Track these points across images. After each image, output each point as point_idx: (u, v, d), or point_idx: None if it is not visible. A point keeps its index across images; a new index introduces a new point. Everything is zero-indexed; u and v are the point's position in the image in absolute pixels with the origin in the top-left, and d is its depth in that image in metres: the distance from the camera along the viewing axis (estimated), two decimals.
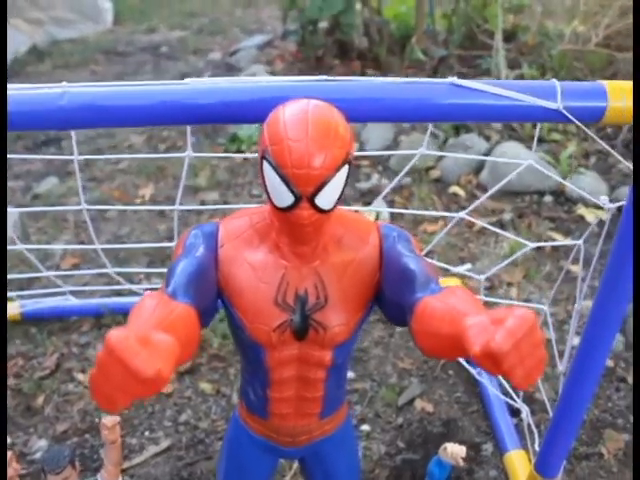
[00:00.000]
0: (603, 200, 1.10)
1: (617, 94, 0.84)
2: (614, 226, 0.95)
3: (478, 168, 2.75)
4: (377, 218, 2.14)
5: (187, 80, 0.84)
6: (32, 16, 5.11)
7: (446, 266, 1.67)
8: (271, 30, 5.12)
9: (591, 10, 3.35)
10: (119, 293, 2.03)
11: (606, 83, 0.85)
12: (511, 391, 1.58)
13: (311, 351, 0.82)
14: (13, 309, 1.92)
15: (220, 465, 1.04)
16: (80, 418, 1.63)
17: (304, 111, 0.69)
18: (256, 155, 0.78)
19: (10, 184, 2.79)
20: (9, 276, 1.75)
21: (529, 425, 1.48)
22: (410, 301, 0.72)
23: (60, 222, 2.53)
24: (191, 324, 0.67)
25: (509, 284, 2.10)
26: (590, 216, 2.44)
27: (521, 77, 3.15)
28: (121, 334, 0.51)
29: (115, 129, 3.34)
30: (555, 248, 2.28)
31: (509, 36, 3.57)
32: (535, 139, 1.19)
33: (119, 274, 1.78)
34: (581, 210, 2.49)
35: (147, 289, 1.85)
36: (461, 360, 1.73)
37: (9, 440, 1.56)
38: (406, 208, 2.49)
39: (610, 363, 1.78)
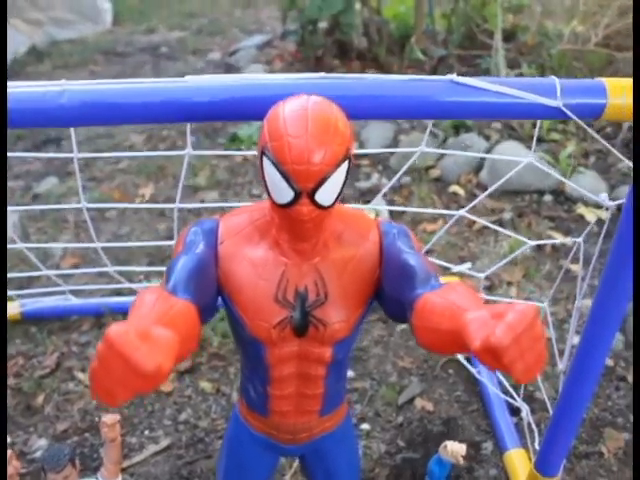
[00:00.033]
0: (603, 198, 1.10)
1: (617, 91, 0.84)
2: (614, 225, 0.95)
3: (478, 167, 2.75)
4: (376, 217, 2.14)
5: (187, 77, 0.84)
6: (31, 16, 5.11)
7: (446, 264, 1.67)
8: (270, 30, 5.12)
9: (590, 10, 3.35)
10: (119, 292, 2.03)
11: (605, 80, 0.85)
12: (511, 390, 1.58)
13: (311, 348, 0.82)
14: (13, 308, 1.92)
15: (220, 463, 1.04)
16: (80, 417, 1.63)
17: (304, 107, 0.69)
18: (255, 153, 0.78)
19: (10, 184, 2.79)
20: (9, 275, 1.75)
21: (529, 424, 1.48)
22: (410, 297, 0.72)
23: (60, 222, 2.52)
24: (191, 320, 0.67)
25: (509, 283, 2.10)
26: (590, 215, 2.45)
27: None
28: (121, 328, 0.51)
29: (115, 129, 3.34)
30: (555, 247, 2.28)
31: (508, 36, 3.57)
32: (535, 138, 1.19)
33: (119, 274, 1.78)
34: (581, 209, 2.49)
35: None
36: (461, 359, 1.73)
37: (9, 439, 1.56)
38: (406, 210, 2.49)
39: (610, 362, 1.78)
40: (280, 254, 0.78)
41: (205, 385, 1.72)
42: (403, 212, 2.43)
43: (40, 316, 1.94)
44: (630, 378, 1.73)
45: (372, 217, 0.86)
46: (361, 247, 0.81)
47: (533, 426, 1.46)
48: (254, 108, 0.81)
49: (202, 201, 2.64)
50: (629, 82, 0.83)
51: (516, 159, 1.29)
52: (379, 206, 1.67)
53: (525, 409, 1.52)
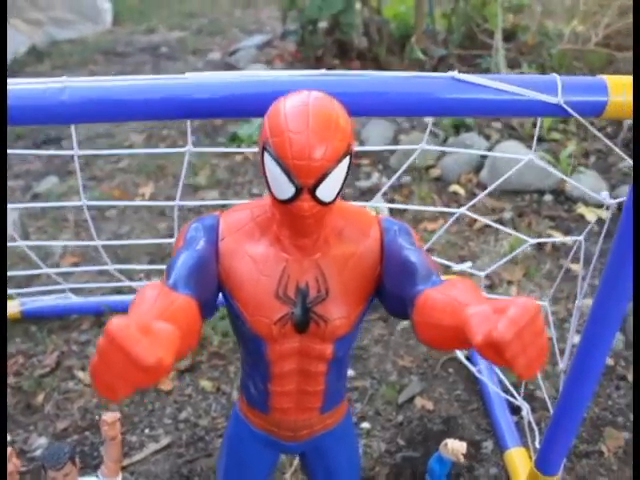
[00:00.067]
0: (604, 196, 1.10)
1: (618, 88, 0.84)
2: (614, 225, 0.95)
3: (478, 167, 2.75)
4: (377, 214, 2.14)
5: (187, 74, 0.84)
6: (31, 16, 5.11)
7: (447, 261, 1.67)
8: (270, 30, 5.12)
9: (590, 10, 3.36)
10: (119, 291, 2.03)
11: (607, 77, 0.85)
12: (512, 389, 1.58)
13: (312, 344, 0.82)
14: (13, 307, 1.91)
15: (220, 462, 1.04)
16: (80, 416, 1.63)
17: (305, 103, 0.69)
18: (256, 150, 0.78)
19: (10, 183, 2.79)
20: (9, 274, 1.75)
21: (529, 423, 1.48)
22: (411, 294, 0.72)
23: (60, 222, 2.52)
24: (192, 315, 0.67)
25: (509, 282, 2.10)
26: (590, 215, 2.45)
27: None
28: (122, 322, 0.51)
29: (115, 129, 3.34)
30: (555, 247, 2.28)
31: (509, 36, 3.57)
32: (535, 138, 1.19)
33: (119, 272, 1.78)
34: (581, 209, 2.49)
35: None
36: (461, 358, 1.73)
37: (9, 438, 1.56)
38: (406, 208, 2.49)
39: (610, 361, 1.78)
40: (281, 250, 0.78)
41: (205, 384, 1.72)
42: (404, 211, 2.43)
43: (40, 315, 1.94)
44: (630, 377, 1.73)
45: (373, 214, 0.86)
46: (362, 243, 0.81)
47: (533, 425, 1.46)
48: (255, 105, 0.81)
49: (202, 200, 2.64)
50: (630, 79, 0.83)
51: (516, 157, 1.30)
52: (379, 204, 1.67)
53: (525, 408, 1.52)
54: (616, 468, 1.49)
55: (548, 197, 2.59)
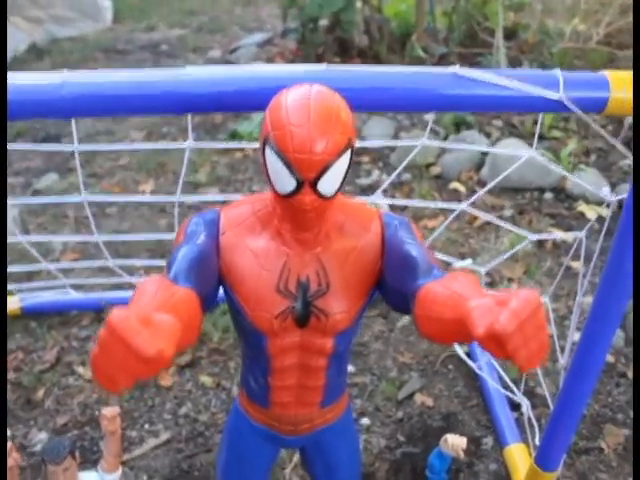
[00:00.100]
0: (605, 192, 1.10)
1: (620, 85, 0.84)
2: (615, 223, 0.95)
3: (479, 165, 2.74)
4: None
5: (188, 68, 0.84)
6: (31, 14, 5.10)
7: (447, 258, 1.67)
8: (271, 28, 5.12)
9: (592, 8, 3.35)
10: (119, 287, 2.03)
11: (608, 73, 0.85)
12: (512, 385, 1.58)
13: (313, 338, 0.82)
14: (13, 303, 1.91)
15: (220, 456, 1.04)
16: (80, 411, 1.63)
17: (306, 97, 0.69)
18: (256, 146, 0.78)
19: (10, 180, 2.79)
20: (9, 270, 1.75)
21: (529, 419, 1.48)
22: (412, 288, 0.72)
23: (60, 218, 2.52)
24: (193, 308, 0.67)
25: (510, 280, 2.10)
26: (590, 213, 2.44)
27: None
28: (123, 313, 0.51)
29: (115, 126, 3.34)
30: (556, 244, 2.28)
31: (510, 34, 3.57)
32: (536, 135, 1.19)
33: (119, 268, 1.78)
34: (581, 207, 2.49)
35: None
36: (461, 354, 1.73)
37: (9, 433, 1.56)
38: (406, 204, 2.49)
39: (610, 359, 1.78)
40: (282, 244, 0.78)
41: (205, 379, 1.72)
42: (404, 208, 2.43)
43: (40, 311, 1.94)
44: (630, 374, 1.73)
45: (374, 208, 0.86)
46: (363, 238, 0.80)
47: (533, 421, 1.46)
48: (256, 99, 0.81)
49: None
50: (631, 75, 0.83)
51: (517, 153, 1.30)
52: (380, 200, 1.67)
53: (525, 404, 1.52)
54: (616, 465, 1.49)
55: (548, 195, 2.59)
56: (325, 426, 0.96)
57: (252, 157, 2.96)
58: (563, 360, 1.32)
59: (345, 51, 3.92)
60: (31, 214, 2.52)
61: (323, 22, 3.88)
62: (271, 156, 0.70)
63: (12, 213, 2.35)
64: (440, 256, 1.73)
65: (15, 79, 0.80)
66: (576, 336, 1.29)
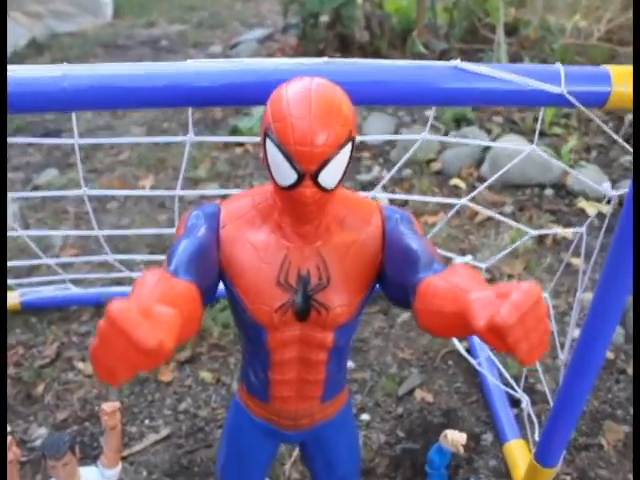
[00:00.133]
0: (606, 187, 1.10)
1: (621, 79, 0.84)
2: (615, 219, 0.95)
3: (479, 161, 2.74)
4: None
5: (189, 61, 0.84)
6: (31, 9, 5.09)
7: (448, 254, 1.67)
8: (271, 24, 5.10)
9: (593, 4, 3.35)
10: (119, 282, 2.03)
11: (610, 67, 0.85)
12: (512, 381, 1.58)
13: (313, 332, 0.81)
14: (13, 298, 1.91)
15: (220, 452, 1.04)
16: (80, 406, 1.63)
17: (307, 89, 0.69)
18: (257, 141, 0.78)
19: (10, 175, 2.78)
20: (9, 265, 1.75)
21: (529, 415, 1.48)
22: (413, 281, 0.72)
23: (60, 214, 2.52)
24: (193, 300, 0.67)
25: (510, 276, 2.10)
26: (591, 209, 2.44)
27: None
28: (123, 305, 0.51)
29: (115, 121, 3.34)
30: (556, 240, 2.28)
31: (511, 30, 3.56)
32: (537, 131, 1.18)
33: (119, 263, 1.78)
34: (582, 203, 2.49)
35: None
36: (461, 350, 1.73)
37: (9, 428, 1.56)
38: (406, 200, 2.49)
39: (610, 355, 1.78)
40: (282, 237, 0.78)
41: (205, 375, 1.72)
42: (404, 204, 2.43)
43: (40, 306, 1.94)
44: (630, 371, 1.73)
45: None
46: (363, 231, 0.80)
47: (533, 417, 1.46)
48: (257, 93, 0.80)
49: (202, 194, 2.63)
50: (631, 69, 0.83)
51: (518, 147, 1.29)
52: (380, 194, 1.67)
53: (525, 400, 1.52)
54: (615, 461, 1.49)
55: (549, 191, 2.59)
56: (325, 421, 0.96)
57: (252, 152, 2.96)
58: (563, 356, 1.32)
59: (346, 47, 3.91)
60: (31, 209, 2.52)
61: (324, 18, 3.87)
62: (272, 148, 0.69)
63: (12, 208, 2.35)
64: (440, 252, 1.73)
65: (15, 72, 0.79)
66: (576, 332, 1.29)
